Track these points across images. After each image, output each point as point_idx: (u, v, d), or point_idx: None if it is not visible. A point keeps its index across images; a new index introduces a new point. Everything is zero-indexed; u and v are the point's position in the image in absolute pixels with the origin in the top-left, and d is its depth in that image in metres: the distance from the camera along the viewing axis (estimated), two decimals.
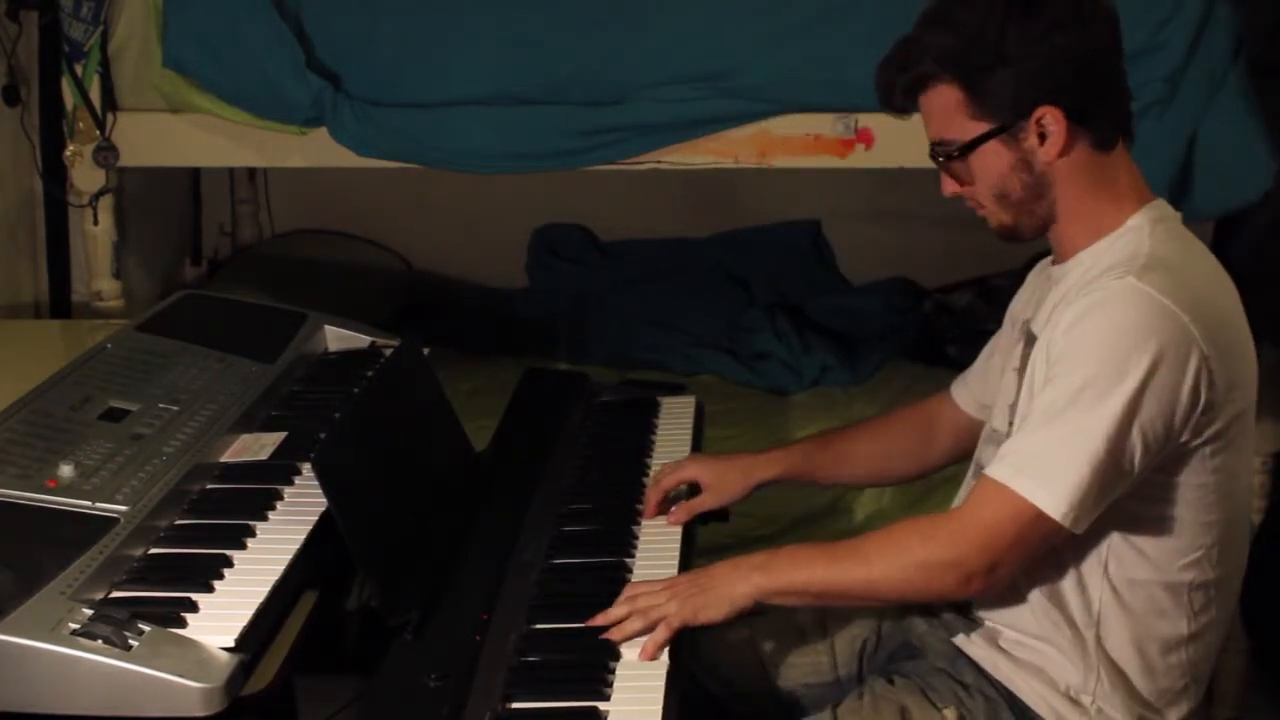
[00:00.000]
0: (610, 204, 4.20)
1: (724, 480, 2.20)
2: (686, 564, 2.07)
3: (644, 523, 2.14)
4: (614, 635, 1.82)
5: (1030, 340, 1.93)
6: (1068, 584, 1.86)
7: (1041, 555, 1.82)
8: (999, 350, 2.12)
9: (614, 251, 4.37)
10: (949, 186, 1.92)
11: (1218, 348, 1.77)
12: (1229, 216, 3.05)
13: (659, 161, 3.01)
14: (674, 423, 2.48)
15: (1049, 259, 1.99)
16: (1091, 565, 1.84)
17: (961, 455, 2.18)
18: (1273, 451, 2.97)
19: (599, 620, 1.85)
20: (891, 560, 1.82)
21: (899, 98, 1.90)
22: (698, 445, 2.43)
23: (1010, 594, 1.89)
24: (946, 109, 1.85)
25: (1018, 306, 2.09)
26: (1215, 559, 1.87)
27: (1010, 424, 1.91)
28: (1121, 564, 1.84)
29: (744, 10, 2.94)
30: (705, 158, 3.00)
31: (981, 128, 1.84)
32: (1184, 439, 1.78)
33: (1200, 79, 2.83)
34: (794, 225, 4.33)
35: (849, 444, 2.26)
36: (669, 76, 2.93)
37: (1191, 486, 1.82)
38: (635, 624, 1.83)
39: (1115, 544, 1.83)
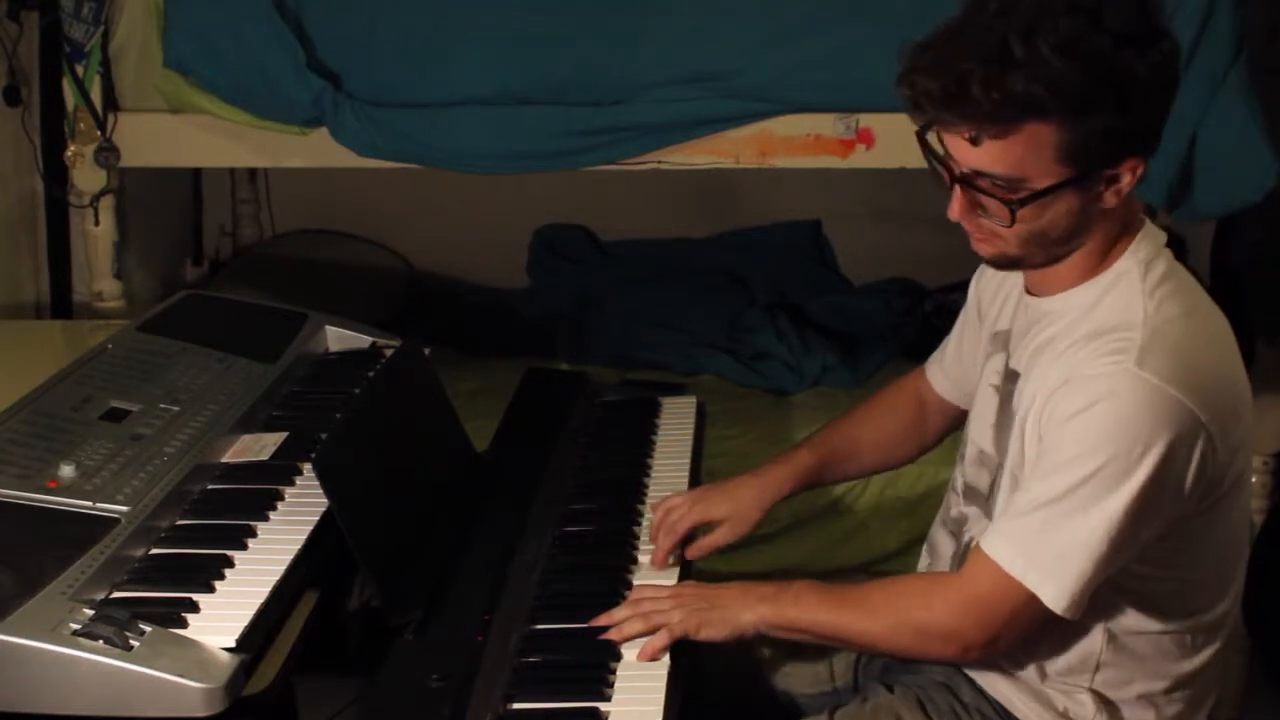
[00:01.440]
0: (611, 204, 4.20)
1: (738, 510, 2.10)
2: (688, 567, 2.06)
3: (645, 524, 2.14)
4: (614, 635, 1.82)
5: (1012, 375, 1.87)
6: (1066, 637, 1.83)
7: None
8: (967, 342, 2.10)
9: (615, 251, 4.36)
10: (965, 213, 1.72)
11: (1220, 421, 1.71)
12: (1229, 217, 3.05)
13: (660, 161, 3.01)
14: (675, 423, 2.48)
15: None
16: (1090, 622, 1.81)
17: (953, 429, 2.17)
18: (1273, 451, 2.97)
19: (602, 620, 1.85)
20: (890, 618, 1.81)
21: (975, 119, 1.61)
22: (699, 445, 2.42)
23: None
24: (1031, 146, 1.63)
25: (984, 299, 2.02)
26: (1215, 601, 1.85)
27: (996, 447, 1.88)
28: (1122, 620, 1.82)
29: (745, 10, 2.94)
30: (706, 158, 3.00)
31: (1063, 173, 1.65)
32: (1185, 514, 1.75)
33: (1201, 79, 2.83)
34: (795, 225, 4.32)
35: (850, 438, 2.21)
36: (670, 76, 2.93)
37: (1189, 544, 1.79)
38: (636, 625, 1.83)
39: (1114, 602, 1.80)
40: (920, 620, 1.79)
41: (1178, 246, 3.51)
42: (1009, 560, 1.73)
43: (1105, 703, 1.84)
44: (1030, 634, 1.79)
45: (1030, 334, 1.84)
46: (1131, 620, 1.82)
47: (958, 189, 1.72)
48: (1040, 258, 1.77)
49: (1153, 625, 1.82)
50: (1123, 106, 1.62)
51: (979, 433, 1.95)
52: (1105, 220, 1.75)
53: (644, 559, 2.05)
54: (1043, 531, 1.71)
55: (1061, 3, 1.61)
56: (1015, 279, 1.91)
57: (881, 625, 1.81)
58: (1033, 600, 1.72)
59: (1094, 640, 1.82)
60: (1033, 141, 1.63)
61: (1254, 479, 2.89)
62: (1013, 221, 1.69)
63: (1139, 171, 1.68)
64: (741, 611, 1.85)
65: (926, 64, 1.64)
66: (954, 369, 2.16)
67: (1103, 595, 1.76)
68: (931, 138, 1.72)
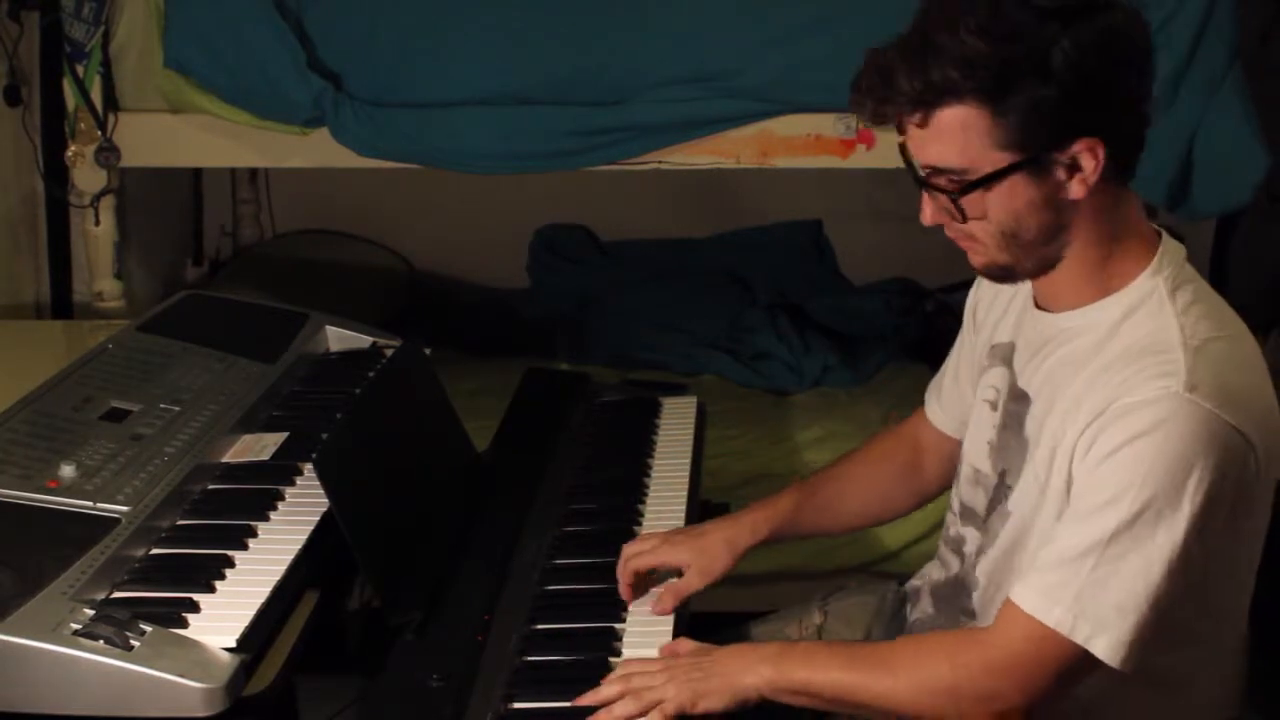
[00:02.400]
0: (611, 204, 4.20)
1: (705, 556, 1.98)
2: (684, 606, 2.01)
3: (645, 524, 2.13)
4: (602, 717, 1.69)
5: (1021, 395, 1.77)
6: (1083, 687, 1.70)
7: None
8: (964, 366, 1.97)
9: (615, 252, 4.37)
10: (932, 216, 1.67)
11: (1265, 442, 1.62)
12: (1229, 217, 3.06)
13: (660, 162, 3.01)
14: (675, 423, 2.48)
15: None
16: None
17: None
18: None
19: (588, 699, 1.71)
20: (916, 679, 1.67)
21: (906, 108, 1.59)
22: (699, 446, 2.42)
23: None
24: (962, 133, 1.58)
25: (979, 315, 1.93)
26: (1225, 621, 1.79)
27: (994, 467, 1.79)
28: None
29: (745, 10, 2.95)
30: (706, 158, 3.01)
31: (1004, 159, 1.58)
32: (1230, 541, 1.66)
33: (1200, 79, 2.83)
34: (795, 225, 4.33)
35: (836, 490, 2.08)
36: (670, 77, 2.93)
37: (1216, 563, 1.67)
38: (628, 707, 1.69)
39: None
40: (952, 682, 1.65)
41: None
42: (1054, 616, 1.60)
43: None
44: (1068, 690, 1.65)
45: (1042, 352, 1.74)
46: (1153, 651, 1.67)
47: (924, 193, 1.67)
48: (1029, 263, 1.68)
49: (1162, 654, 1.70)
50: (1046, 81, 1.54)
51: (974, 451, 1.87)
52: (1091, 219, 1.64)
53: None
54: (1092, 579, 1.58)
55: None
56: (1020, 293, 1.82)
57: (907, 686, 1.67)
58: (1081, 655, 1.60)
59: (1113, 678, 1.68)
60: (965, 128, 1.58)
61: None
62: (963, 215, 1.63)
63: (1100, 155, 1.58)
64: (742, 675, 1.72)
65: (864, 67, 1.63)
66: (952, 399, 2.02)
67: None
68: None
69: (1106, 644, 1.59)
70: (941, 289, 4.10)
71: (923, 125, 1.60)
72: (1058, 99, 1.55)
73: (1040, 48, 1.54)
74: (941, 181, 1.63)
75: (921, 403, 2.12)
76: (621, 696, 1.70)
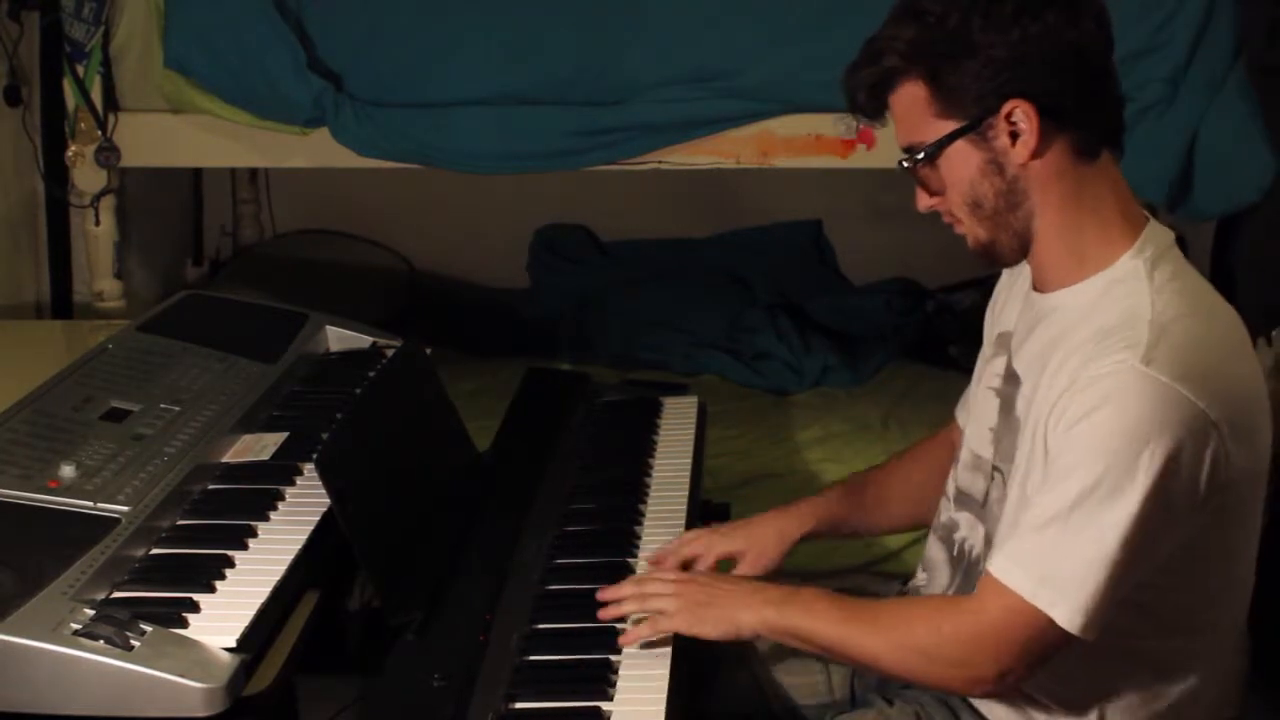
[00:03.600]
0: (611, 204, 4.21)
1: (758, 546, 2.06)
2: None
3: (645, 524, 2.14)
4: (611, 612, 1.82)
5: (1014, 379, 1.81)
6: (1072, 666, 1.74)
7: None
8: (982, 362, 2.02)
9: (615, 251, 4.37)
10: (923, 200, 1.78)
11: (1234, 424, 1.64)
12: (1229, 217, 3.05)
13: (660, 161, 3.01)
14: (676, 423, 2.48)
15: (1024, 267, 1.85)
16: (1093, 643, 1.68)
17: None
18: (1274, 451, 2.97)
19: (603, 594, 1.85)
20: (898, 639, 1.73)
21: (864, 98, 1.75)
22: (700, 445, 2.42)
23: None
24: (913, 109, 1.72)
25: (993, 317, 1.98)
26: (1225, 614, 1.80)
27: (995, 466, 1.83)
28: (1124, 636, 1.73)
29: (745, 10, 2.95)
30: (706, 158, 3.01)
31: (948, 126, 1.70)
32: (1204, 520, 1.67)
33: (1201, 79, 2.83)
34: (795, 225, 4.33)
35: (880, 488, 2.14)
36: (670, 77, 2.94)
37: (1204, 552, 1.70)
38: (630, 605, 1.82)
39: (1118, 620, 1.68)
40: (927, 644, 1.71)
41: (1179, 246, 3.51)
42: (1018, 582, 1.64)
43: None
44: (1044, 664, 1.68)
45: (1034, 334, 1.79)
46: (1138, 635, 1.74)
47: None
48: (1005, 237, 1.75)
49: (1160, 640, 1.75)
50: (971, 50, 1.66)
51: (976, 437, 1.91)
52: (1046, 187, 1.71)
53: (644, 559, 2.05)
54: (1054, 547, 1.63)
55: None
56: (1025, 280, 1.86)
57: (887, 644, 1.74)
58: (1046, 624, 1.63)
59: (1099, 658, 1.73)
60: (912, 105, 1.72)
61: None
62: (930, 188, 1.75)
63: (1033, 117, 1.66)
64: (742, 611, 1.80)
65: (843, 78, 1.78)
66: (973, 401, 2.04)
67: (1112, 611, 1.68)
68: None
69: (1065, 611, 1.63)
70: (941, 289, 4.10)
71: (890, 112, 1.76)
72: (982, 64, 1.67)
73: (963, 19, 1.67)
74: (907, 161, 1.75)
75: (925, 402, 2.13)
76: (631, 597, 1.83)
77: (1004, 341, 1.89)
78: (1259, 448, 1.71)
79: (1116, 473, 1.60)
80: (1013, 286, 1.93)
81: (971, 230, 1.76)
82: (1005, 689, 1.72)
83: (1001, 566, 1.67)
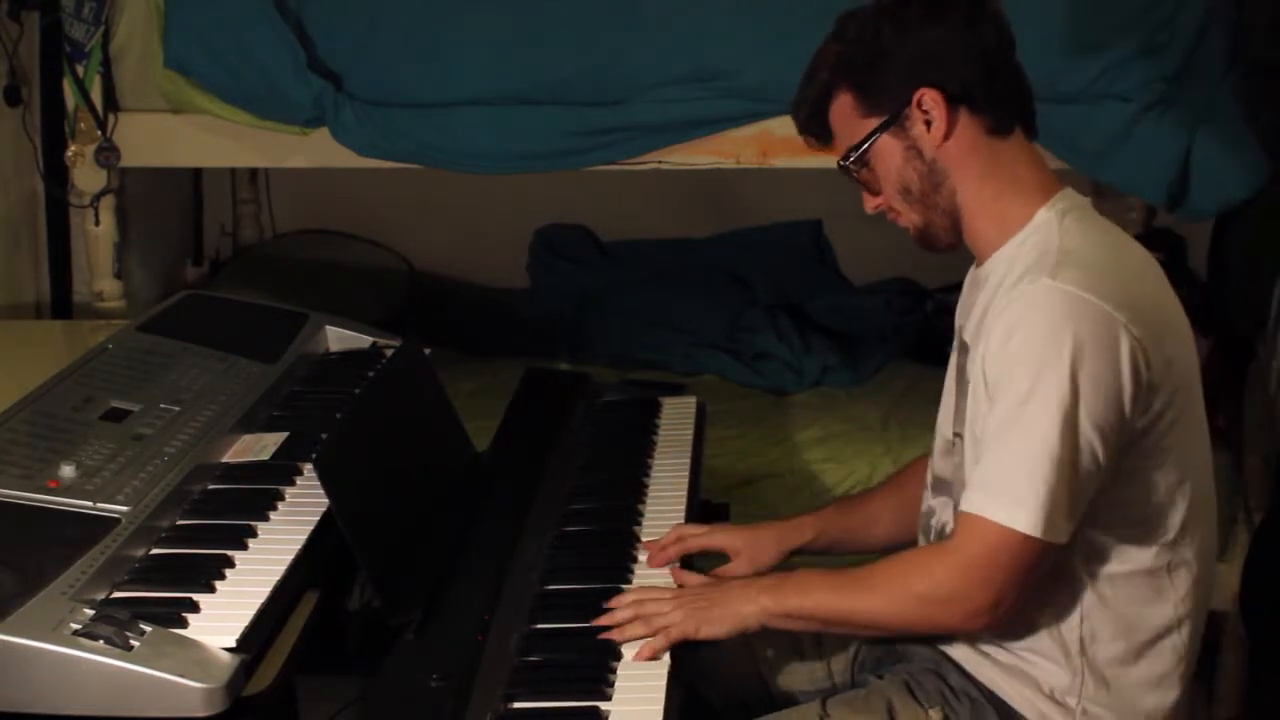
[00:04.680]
0: (611, 204, 4.20)
1: (755, 547, 2.14)
2: (688, 567, 2.07)
3: (645, 524, 2.14)
4: (615, 636, 1.84)
5: (964, 349, 1.93)
6: (1047, 589, 1.84)
7: (1043, 578, 1.80)
8: None
9: (615, 251, 4.36)
10: (868, 202, 1.96)
11: (1148, 327, 1.77)
12: (1224, 214, 3.05)
13: (660, 161, 3.01)
14: (675, 423, 2.48)
15: (974, 276, 1.97)
16: (1067, 567, 1.83)
17: None
18: (1274, 451, 2.98)
19: (603, 620, 1.86)
20: (893, 593, 1.83)
21: (808, 118, 1.96)
22: (699, 445, 2.43)
23: None
24: (846, 117, 1.91)
25: (958, 316, 2.06)
26: (1187, 538, 1.87)
27: (955, 433, 1.92)
28: (1097, 559, 1.84)
29: (745, 10, 2.94)
30: (706, 158, 3.00)
31: (872, 124, 1.88)
32: (1134, 422, 1.78)
33: (1200, 79, 2.83)
34: (795, 225, 4.32)
35: (874, 505, 2.22)
36: (670, 76, 2.93)
37: (1150, 468, 1.82)
38: (637, 629, 1.84)
39: (1088, 540, 1.82)
40: (922, 589, 1.80)
41: (1177, 246, 3.52)
42: (983, 506, 1.76)
43: (1090, 675, 1.85)
44: (1033, 583, 1.78)
45: (976, 303, 1.91)
46: (1106, 558, 1.83)
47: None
48: (936, 217, 1.91)
49: (1127, 562, 1.84)
50: (882, 53, 1.87)
51: (943, 422, 1.99)
52: (964, 163, 1.87)
53: (644, 558, 2.05)
54: (1002, 462, 1.75)
55: None
56: (974, 289, 1.95)
57: (885, 600, 1.83)
58: (1014, 536, 1.73)
59: (1074, 592, 1.84)
60: (844, 112, 1.92)
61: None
62: (869, 186, 1.93)
63: (940, 101, 1.84)
64: (743, 604, 1.86)
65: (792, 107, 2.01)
66: None
67: (1075, 535, 1.78)
68: None
69: (1026, 518, 1.73)
70: (941, 289, 4.10)
71: (825, 122, 1.95)
72: (891, 62, 1.87)
73: (875, 30, 1.88)
74: (846, 165, 1.93)
75: (925, 402, 2.15)
76: (633, 620, 1.85)
77: (960, 333, 1.99)
78: (1181, 354, 1.84)
79: (1039, 380, 1.73)
80: (968, 289, 2.02)
81: (908, 217, 1.93)
82: (1002, 617, 1.79)
83: (969, 499, 1.79)
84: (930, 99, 1.85)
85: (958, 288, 3.91)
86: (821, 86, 1.93)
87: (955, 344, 2.00)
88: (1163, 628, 1.88)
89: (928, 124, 1.86)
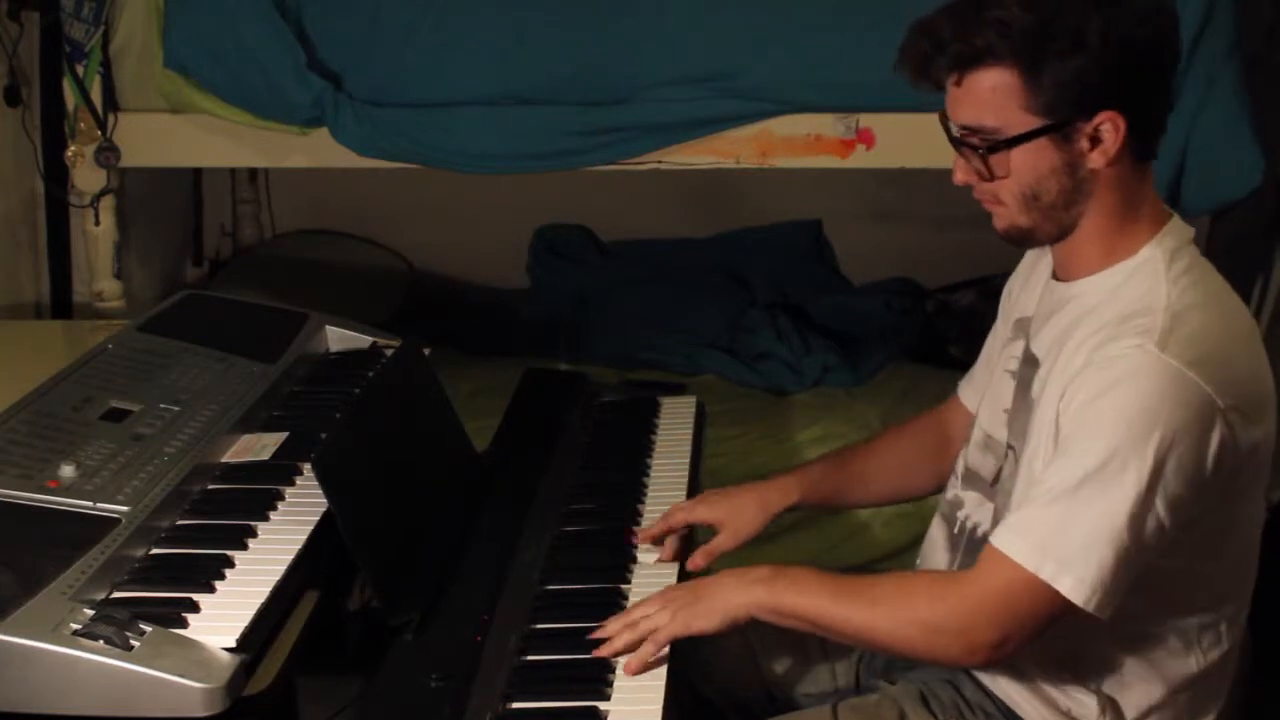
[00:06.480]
0: (611, 204, 4.21)
1: (739, 517, 2.08)
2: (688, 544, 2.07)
3: (644, 524, 2.14)
4: (604, 651, 1.78)
5: (1032, 360, 1.84)
6: (1074, 642, 1.78)
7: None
8: (995, 344, 2.05)
9: (615, 251, 4.37)
10: (963, 175, 1.77)
11: (1241, 410, 1.68)
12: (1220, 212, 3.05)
13: (660, 161, 3.01)
14: (674, 423, 2.48)
15: (1043, 251, 1.90)
16: (1099, 625, 1.71)
17: None
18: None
19: (595, 635, 1.81)
20: (896, 613, 1.74)
21: (940, 65, 1.71)
22: (698, 446, 2.43)
23: None
24: (996, 94, 1.69)
25: (1011, 300, 2.02)
26: (1227, 599, 1.82)
27: (1009, 444, 1.85)
28: (1132, 620, 1.75)
29: (745, 10, 2.95)
30: (707, 158, 3.01)
31: (1034, 122, 1.69)
32: (1204, 503, 1.69)
33: (1199, 78, 2.83)
34: (795, 225, 4.33)
35: (864, 461, 2.16)
36: (670, 77, 2.94)
37: (1209, 537, 1.74)
38: (624, 638, 1.78)
39: (1125, 602, 1.70)
40: (928, 616, 1.72)
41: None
42: (1023, 553, 1.67)
43: (1110, 704, 1.81)
44: (1041, 634, 1.71)
45: (1053, 320, 1.82)
46: (1142, 617, 1.76)
47: (956, 153, 1.77)
48: (1047, 227, 1.77)
49: (1163, 623, 1.78)
50: (1079, 53, 1.65)
51: (990, 418, 1.93)
52: (1107, 191, 1.73)
53: (644, 558, 2.05)
54: (1059, 521, 1.65)
55: None
56: (1046, 267, 1.89)
57: (885, 618, 1.74)
58: (1049, 595, 1.66)
59: (1102, 638, 1.77)
60: (998, 89, 1.69)
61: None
62: (991, 173, 1.73)
63: (1121, 129, 1.68)
64: (734, 595, 1.79)
65: (911, 30, 1.74)
66: (981, 380, 2.07)
67: None
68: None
69: (1071, 582, 1.65)
70: (941, 289, 4.10)
71: (959, 85, 1.71)
72: (1088, 71, 1.66)
73: (1077, 22, 1.65)
74: (974, 140, 1.73)
75: (925, 402, 2.14)
76: (621, 631, 1.80)
77: (1023, 326, 1.92)
78: (1265, 429, 1.75)
79: (1125, 452, 1.63)
80: (1032, 272, 1.96)
81: (1012, 216, 1.77)
82: (1000, 658, 1.74)
83: (1006, 539, 1.69)
84: (1112, 124, 1.68)
85: (958, 288, 3.88)
86: (980, 50, 1.68)
87: (1021, 353, 1.89)
88: (1188, 681, 1.82)
89: (1092, 141, 1.69)
